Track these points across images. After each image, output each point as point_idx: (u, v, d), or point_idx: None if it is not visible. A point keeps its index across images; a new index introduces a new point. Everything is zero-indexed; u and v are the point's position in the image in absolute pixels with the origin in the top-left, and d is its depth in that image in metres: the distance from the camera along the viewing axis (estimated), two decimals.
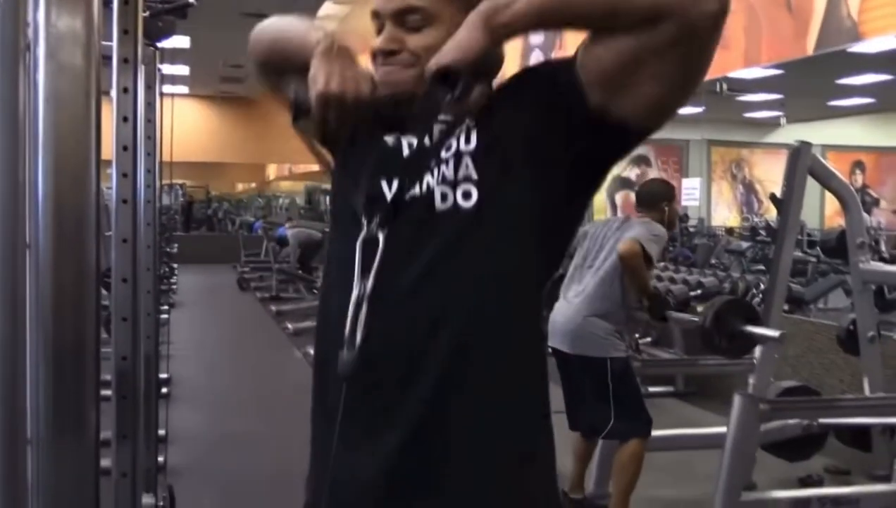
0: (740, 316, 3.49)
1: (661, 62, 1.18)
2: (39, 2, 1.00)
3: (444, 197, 1.27)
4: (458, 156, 1.28)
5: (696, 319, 3.49)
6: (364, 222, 1.29)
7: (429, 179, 1.28)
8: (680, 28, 1.14)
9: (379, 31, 1.35)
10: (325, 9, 13.31)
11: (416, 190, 1.29)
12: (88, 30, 1.00)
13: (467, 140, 1.29)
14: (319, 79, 1.29)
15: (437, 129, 1.29)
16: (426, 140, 1.31)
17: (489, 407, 1.27)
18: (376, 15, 1.35)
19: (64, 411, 1.00)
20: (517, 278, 1.30)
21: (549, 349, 3.84)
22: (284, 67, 1.48)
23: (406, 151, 1.33)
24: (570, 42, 9.83)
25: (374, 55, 1.34)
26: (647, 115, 1.25)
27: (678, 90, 1.23)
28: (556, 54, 9.62)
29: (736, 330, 3.44)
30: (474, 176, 1.26)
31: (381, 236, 1.27)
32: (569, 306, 3.83)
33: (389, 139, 1.36)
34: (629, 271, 3.76)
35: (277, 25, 1.53)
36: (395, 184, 1.30)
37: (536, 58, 9.71)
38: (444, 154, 1.29)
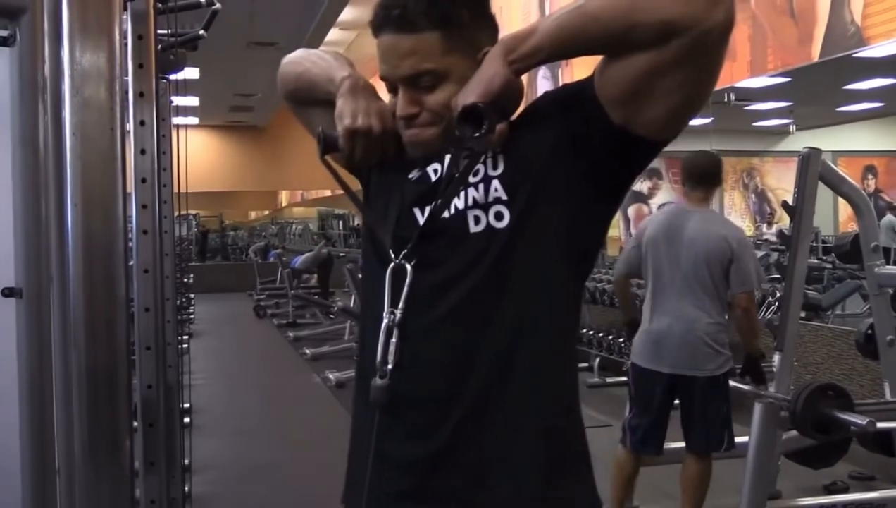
0: (831, 400, 3.24)
1: (675, 75, 1.21)
2: (63, 41, 1.03)
3: (476, 220, 1.30)
4: (487, 180, 1.31)
5: (787, 398, 3.34)
6: (392, 253, 1.33)
7: (457, 203, 1.32)
8: (691, 42, 1.17)
9: (389, 90, 1.37)
10: (332, 35, 13.41)
11: (446, 214, 1.32)
12: (111, 66, 1.03)
13: (494, 166, 1.33)
14: (346, 115, 1.34)
15: (462, 159, 1.33)
16: (452, 168, 1.34)
17: (529, 421, 1.31)
18: (385, 79, 1.37)
19: (100, 439, 1.02)
20: (554, 290, 1.33)
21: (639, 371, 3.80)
22: (310, 99, 1.54)
23: (433, 179, 1.37)
24: (577, 59, 9.84)
25: (395, 118, 1.37)
26: (665, 126, 1.28)
27: (692, 100, 1.26)
28: (563, 71, 9.66)
29: (826, 416, 3.21)
30: (504, 197, 1.30)
31: (409, 267, 1.31)
32: (665, 326, 3.73)
33: (415, 172, 1.39)
34: (745, 323, 3.78)
35: (305, 59, 1.56)
36: (427, 210, 1.34)
37: (544, 76, 9.75)
38: (471, 179, 1.32)
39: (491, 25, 1.38)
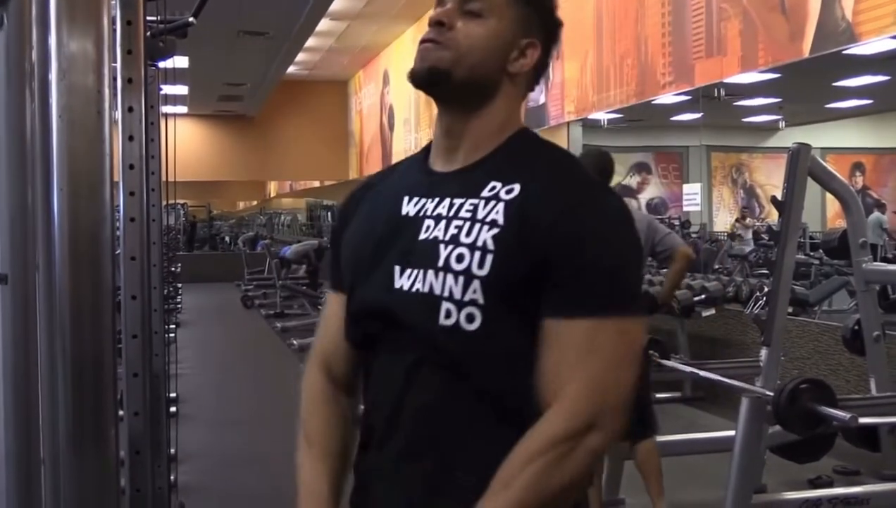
0: (814, 395, 3.27)
1: None
2: (51, 25, 1.02)
3: (448, 314, 1.26)
4: (469, 277, 1.26)
5: (758, 388, 3.35)
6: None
7: (434, 283, 1.28)
8: None
9: (437, 7, 1.37)
10: (323, 25, 13.38)
11: (420, 286, 1.29)
12: (99, 50, 1.02)
13: (481, 264, 1.26)
14: None
15: None
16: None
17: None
18: None
19: (85, 427, 1.01)
20: (507, 390, 1.29)
21: None
22: None
23: (423, 234, 1.35)
24: (568, 55, 9.74)
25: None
26: None
27: None
28: (553, 65, 9.64)
29: (809, 411, 3.24)
30: (481, 301, 1.25)
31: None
32: None
33: (411, 205, 1.37)
34: (681, 275, 4.22)
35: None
36: (405, 276, 1.32)
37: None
38: (456, 267, 1.27)
39: (548, 38, 1.40)
